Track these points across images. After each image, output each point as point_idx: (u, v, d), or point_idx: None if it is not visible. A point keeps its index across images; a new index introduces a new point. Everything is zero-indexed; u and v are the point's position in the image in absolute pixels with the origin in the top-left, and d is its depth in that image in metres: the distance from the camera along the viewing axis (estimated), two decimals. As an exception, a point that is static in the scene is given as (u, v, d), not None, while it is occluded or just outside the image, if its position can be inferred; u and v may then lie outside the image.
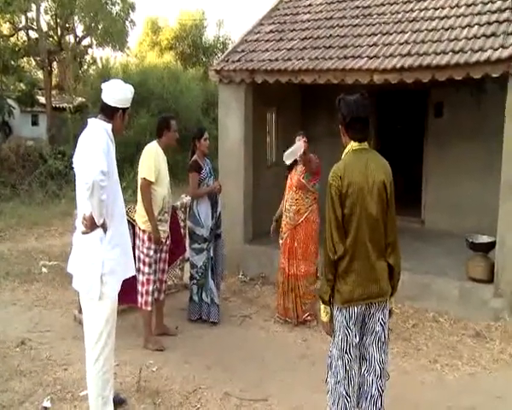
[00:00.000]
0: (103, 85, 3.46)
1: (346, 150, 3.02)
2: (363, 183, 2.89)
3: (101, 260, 3.24)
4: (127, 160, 11.87)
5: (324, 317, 3.03)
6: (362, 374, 3.05)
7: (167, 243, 4.96)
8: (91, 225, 3.19)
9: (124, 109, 3.45)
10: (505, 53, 5.06)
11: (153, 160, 4.72)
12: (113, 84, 3.46)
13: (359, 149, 2.98)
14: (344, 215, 2.87)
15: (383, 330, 3.01)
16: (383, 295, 2.98)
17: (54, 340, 4.92)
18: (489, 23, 5.76)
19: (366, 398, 3.05)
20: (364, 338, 3.03)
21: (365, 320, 3.00)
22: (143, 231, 4.76)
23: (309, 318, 5.37)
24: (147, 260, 4.75)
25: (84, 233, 3.24)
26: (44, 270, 7.09)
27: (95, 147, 3.19)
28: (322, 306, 3.00)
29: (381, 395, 3.05)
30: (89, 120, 3.46)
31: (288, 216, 5.33)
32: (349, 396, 3.00)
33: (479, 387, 4.20)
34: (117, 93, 3.42)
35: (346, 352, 2.97)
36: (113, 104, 3.39)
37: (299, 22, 7.48)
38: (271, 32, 7.47)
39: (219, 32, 26.73)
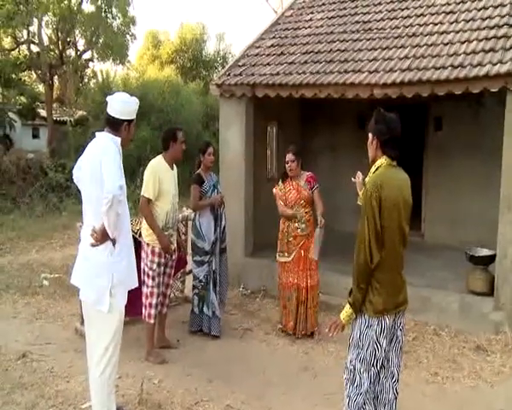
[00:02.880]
0: (108, 99, 3.48)
1: (378, 163, 3.06)
2: (399, 197, 2.98)
3: (110, 273, 3.27)
4: (127, 173, 11.81)
5: (346, 321, 3.05)
6: (380, 381, 3.09)
7: (173, 258, 4.97)
8: (102, 237, 3.23)
9: (129, 121, 3.47)
10: (504, 68, 5.12)
11: (152, 177, 4.72)
12: (118, 97, 3.48)
13: (392, 165, 3.06)
14: (381, 226, 2.92)
15: (402, 334, 3.12)
16: (406, 302, 3.12)
17: (55, 352, 4.92)
18: (487, 38, 5.83)
19: (385, 405, 3.10)
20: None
21: (392, 330, 3.06)
22: (147, 245, 4.78)
23: (316, 330, 5.37)
24: (150, 273, 4.76)
25: (93, 246, 3.26)
26: (45, 283, 7.09)
27: (112, 162, 3.22)
28: (350, 311, 3.02)
29: (396, 399, 3.13)
30: (97, 133, 3.50)
31: (299, 228, 5.29)
32: (367, 407, 3.04)
33: (480, 400, 4.20)
34: (122, 106, 3.44)
35: (373, 365, 3.02)
36: (118, 117, 3.41)
37: (300, 36, 7.56)
38: (272, 46, 7.55)
39: (220, 46, 26.93)
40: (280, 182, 5.48)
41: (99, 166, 3.24)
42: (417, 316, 5.58)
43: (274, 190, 5.50)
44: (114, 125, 3.42)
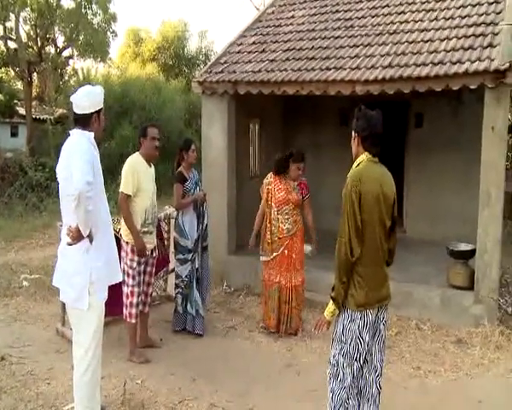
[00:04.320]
0: (72, 98, 3.40)
1: (359, 160, 3.10)
2: (379, 192, 3.01)
3: (88, 270, 3.23)
4: (109, 171, 11.74)
5: (330, 317, 3.07)
6: (364, 376, 3.12)
7: (154, 255, 4.93)
8: (77, 236, 3.19)
9: (98, 111, 3.41)
10: (482, 66, 5.19)
11: (130, 173, 4.68)
12: (81, 93, 3.39)
13: (373, 161, 3.10)
14: (362, 220, 2.95)
15: (385, 329, 3.15)
16: (388, 297, 3.15)
17: (36, 354, 4.84)
18: (466, 36, 5.90)
19: (368, 399, 3.13)
20: None
21: (375, 325, 3.08)
22: (127, 243, 4.73)
23: (299, 328, 5.37)
24: (130, 271, 4.72)
25: (69, 244, 3.23)
26: (25, 283, 6.98)
27: (79, 157, 3.18)
28: (332, 307, 3.04)
29: (379, 393, 3.16)
30: (70, 131, 3.45)
31: (285, 228, 5.27)
32: (351, 401, 3.08)
33: (461, 392, 4.27)
34: (87, 99, 3.37)
35: (356, 360, 3.04)
36: (86, 112, 3.35)
37: (282, 34, 7.56)
38: (254, 43, 7.53)
39: (202, 44, 26.86)
40: (271, 174, 5.43)
41: (69, 164, 3.21)
42: (399, 311, 5.63)
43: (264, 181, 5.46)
44: (84, 121, 3.36)
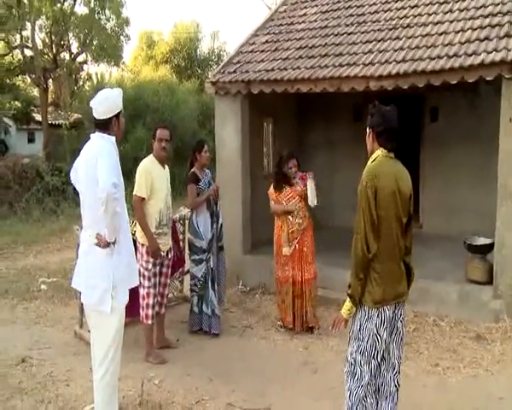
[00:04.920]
0: (91, 104, 3.40)
1: (374, 155, 3.07)
2: (395, 187, 2.97)
3: (110, 273, 3.26)
4: (124, 174, 11.81)
5: (347, 315, 3.04)
6: (381, 373, 3.08)
7: (169, 256, 4.95)
8: (107, 243, 3.22)
9: (117, 115, 3.41)
10: (498, 56, 5.10)
11: (144, 175, 4.70)
12: (100, 98, 3.39)
13: (389, 157, 3.06)
14: (378, 216, 2.91)
15: (403, 326, 3.11)
16: (406, 293, 3.11)
17: (55, 357, 4.89)
18: (482, 27, 5.80)
19: (386, 397, 3.09)
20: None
21: (392, 322, 3.04)
22: (142, 245, 4.75)
23: (315, 325, 5.36)
24: (146, 273, 4.73)
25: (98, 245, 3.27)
26: (43, 287, 7.06)
27: (105, 162, 3.19)
28: (349, 304, 3.01)
29: (397, 390, 3.12)
30: (91, 135, 3.45)
31: (297, 223, 5.30)
32: (368, 399, 3.04)
33: (481, 389, 4.19)
34: (107, 104, 3.37)
35: (373, 357, 3.01)
36: (104, 117, 3.35)
37: (294, 32, 7.53)
38: (266, 42, 7.52)
39: (214, 44, 26.94)
40: (273, 189, 5.44)
41: (94, 168, 3.21)
42: (417, 307, 5.55)
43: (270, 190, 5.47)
44: (103, 125, 3.37)
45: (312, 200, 5.27)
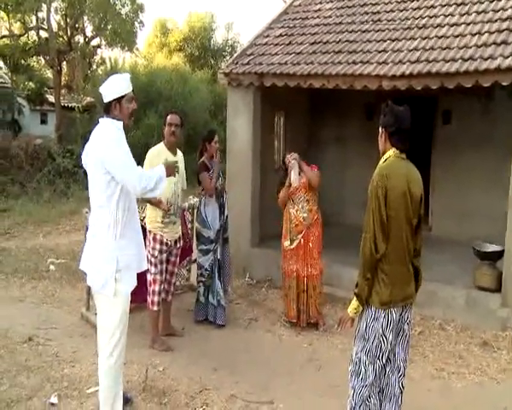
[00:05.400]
0: (100, 90, 3.42)
1: (386, 155, 3.07)
2: (405, 189, 2.97)
3: (115, 257, 3.28)
4: (135, 160, 11.92)
5: (353, 314, 3.05)
6: (386, 375, 3.09)
7: (178, 245, 4.98)
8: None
9: (118, 99, 3.36)
10: (516, 61, 5.06)
11: (149, 163, 4.67)
12: (105, 83, 3.40)
13: (401, 158, 3.06)
14: (388, 217, 2.92)
15: (409, 329, 3.11)
16: (413, 296, 3.11)
17: (61, 337, 4.96)
18: (499, 31, 5.74)
19: (390, 399, 3.10)
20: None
21: (399, 324, 3.05)
22: (149, 232, 4.80)
23: (321, 321, 5.38)
24: (153, 260, 4.77)
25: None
26: (52, 267, 7.14)
27: (118, 155, 3.23)
28: (356, 303, 3.02)
29: (401, 393, 3.13)
30: (100, 119, 3.49)
31: (301, 217, 5.31)
32: (372, 399, 3.05)
33: (485, 397, 4.18)
34: (108, 87, 3.37)
35: (378, 358, 3.01)
36: (106, 100, 3.36)
37: (309, 27, 7.50)
38: (281, 35, 7.49)
39: (228, 35, 26.83)
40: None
41: (101, 154, 3.23)
42: (423, 310, 5.55)
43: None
44: (106, 109, 3.38)
45: (294, 181, 5.30)
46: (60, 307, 5.78)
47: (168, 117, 4.91)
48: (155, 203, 4.66)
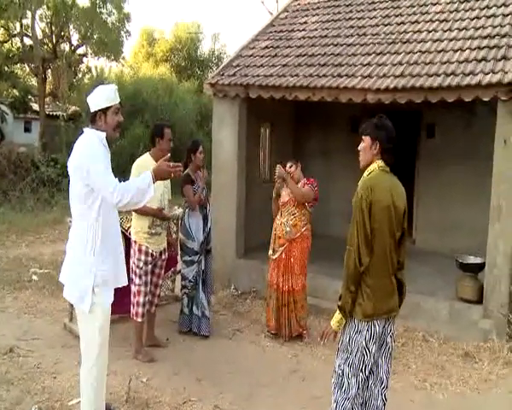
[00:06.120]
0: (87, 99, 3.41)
1: (370, 168, 3.08)
2: (389, 202, 2.99)
3: (93, 272, 3.23)
4: (120, 170, 11.83)
5: (336, 327, 3.05)
6: (369, 387, 3.09)
7: (163, 257, 4.95)
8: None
9: (104, 110, 3.33)
10: (495, 78, 5.18)
11: (137, 174, 4.64)
12: (91, 94, 3.39)
13: (385, 171, 3.09)
14: (371, 229, 2.93)
15: (392, 341, 3.13)
16: (396, 309, 3.13)
17: (43, 348, 4.89)
18: (480, 48, 5.88)
19: None
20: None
21: (382, 336, 3.06)
22: (135, 242, 4.77)
23: (305, 333, 5.38)
24: (137, 271, 4.75)
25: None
26: (35, 277, 7.05)
27: (96, 165, 3.17)
28: (339, 316, 3.03)
29: (384, 405, 3.14)
30: (84, 129, 3.47)
31: (284, 230, 5.30)
32: None
33: (468, 407, 4.23)
34: (94, 97, 3.35)
35: (361, 371, 3.01)
36: (92, 110, 3.35)
37: (295, 39, 7.58)
38: (266, 47, 7.56)
39: (215, 46, 26.94)
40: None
41: (78, 164, 3.21)
42: (407, 322, 5.59)
43: None
44: (91, 119, 3.37)
45: (282, 196, 5.34)
46: (42, 318, 5.70)
47: (167, 131, 4.82)
48: (154, 213, 4.67)
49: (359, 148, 3.15)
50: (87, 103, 3.42)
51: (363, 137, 3.13)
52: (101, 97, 3.35)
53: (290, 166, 5.38)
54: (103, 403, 3.49)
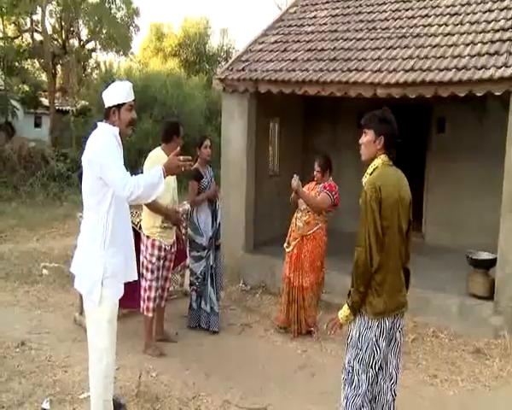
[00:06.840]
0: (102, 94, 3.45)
1: (374, 164, 3.02)
2: (397, 197, 2.96)
3: (103, 264, 3.26)
4: (129, 165, 11.86)
5: (344, 321, 3.04)
6: (378, 383, 3.07)
7: (172, 250, 4.97)
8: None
9: (118, 106, 3.36)
10: (508, 72, 5.11)
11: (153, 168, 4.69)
12: (107, 89, 3.43)
13: (389, 165, 3.04)
14: (382, 228, 2.90)
15: (401, 336, 3.11)
16: (405, 304, 3.11)
17: (54, 342, 4.94)
18: (492, 41, 5.80)
19: (382, 406, 3.09)
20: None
21: (391, 332, 3.05)
22: (147, 237, 4.78)
23: (313, 330, 5.38)
24: (149, 266, 4.77)
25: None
26: (45, 271, 7.11)
27: (111, 161, 3.20)
28: (348, 312, 3.00)
29: (394, 400, 3.12)
30: (98, 123, 3.49)
31: (297, 225, 5.31)
32: (365, 408, 3.03)
33: (478, 404, 4.21)
34: (109, 93, 3.39)
35: (371, 367, 3.00)
36: (108, 105, 3.38)
37: (304, 34, 7.54)
38: (276, 42, 7.53)
39: (223, 41, 26.84)
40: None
41: (91, 157, 3.24)
42: (417, 317, 5.57)
43: None
44: (105, 114, 3.39)
45: (300, 204, 5.32)
46: (53, 312, 5.75)
47: (181, 128, 4.94)
48: (166, 213, 4.71)
49: (361, 141, 3.09)
50: (101, 98, 3.45)
51: (366, 130, 3.06)
52: (116, 94, 3.38)
53: (318, 171, 5.32)
54: (111, 396, 3.50)
